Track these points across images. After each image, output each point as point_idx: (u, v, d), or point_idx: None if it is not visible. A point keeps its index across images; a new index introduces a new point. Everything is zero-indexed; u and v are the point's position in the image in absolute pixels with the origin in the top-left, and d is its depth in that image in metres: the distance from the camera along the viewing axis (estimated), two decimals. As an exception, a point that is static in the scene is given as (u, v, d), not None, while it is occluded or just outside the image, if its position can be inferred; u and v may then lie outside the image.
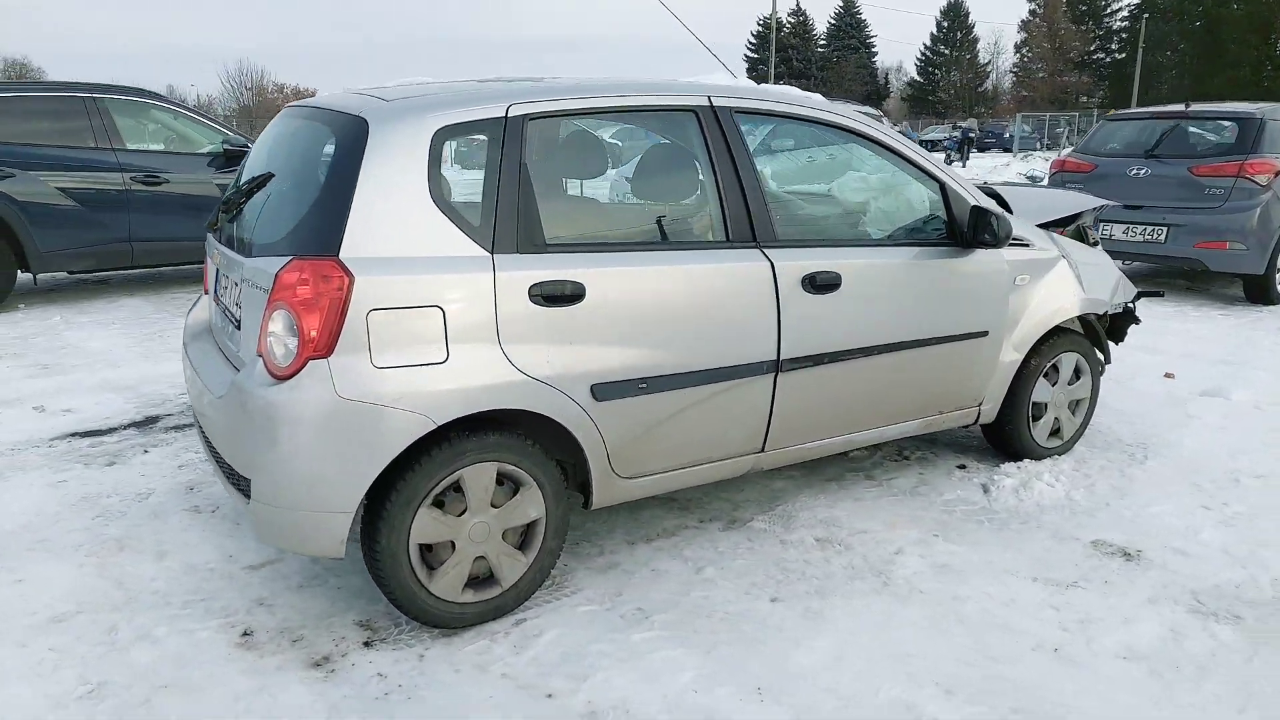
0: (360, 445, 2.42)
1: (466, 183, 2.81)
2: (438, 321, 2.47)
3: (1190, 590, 2.95)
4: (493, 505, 2.67)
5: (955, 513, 3.53)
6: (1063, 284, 3.80)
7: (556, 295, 2.62)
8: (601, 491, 2.87)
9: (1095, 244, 4.30)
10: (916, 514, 3.51)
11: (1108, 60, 66.90)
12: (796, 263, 3.05)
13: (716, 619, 2.78)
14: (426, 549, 2.61)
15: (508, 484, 2.70)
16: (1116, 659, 2.57)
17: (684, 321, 2.85)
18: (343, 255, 2.41)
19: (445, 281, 2.49)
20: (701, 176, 3.00)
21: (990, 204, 3.46)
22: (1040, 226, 4.09)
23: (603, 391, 2.72)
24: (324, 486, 2.42)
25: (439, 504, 2.59)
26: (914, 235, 3.45)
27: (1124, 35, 64.31)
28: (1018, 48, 70.46)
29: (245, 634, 2.67)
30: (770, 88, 4.16)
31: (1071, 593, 2.94)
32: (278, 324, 2.43)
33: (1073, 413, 4.05)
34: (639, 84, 2.99)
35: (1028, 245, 3.70)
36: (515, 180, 2.63)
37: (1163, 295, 4.79)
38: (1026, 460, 3.93)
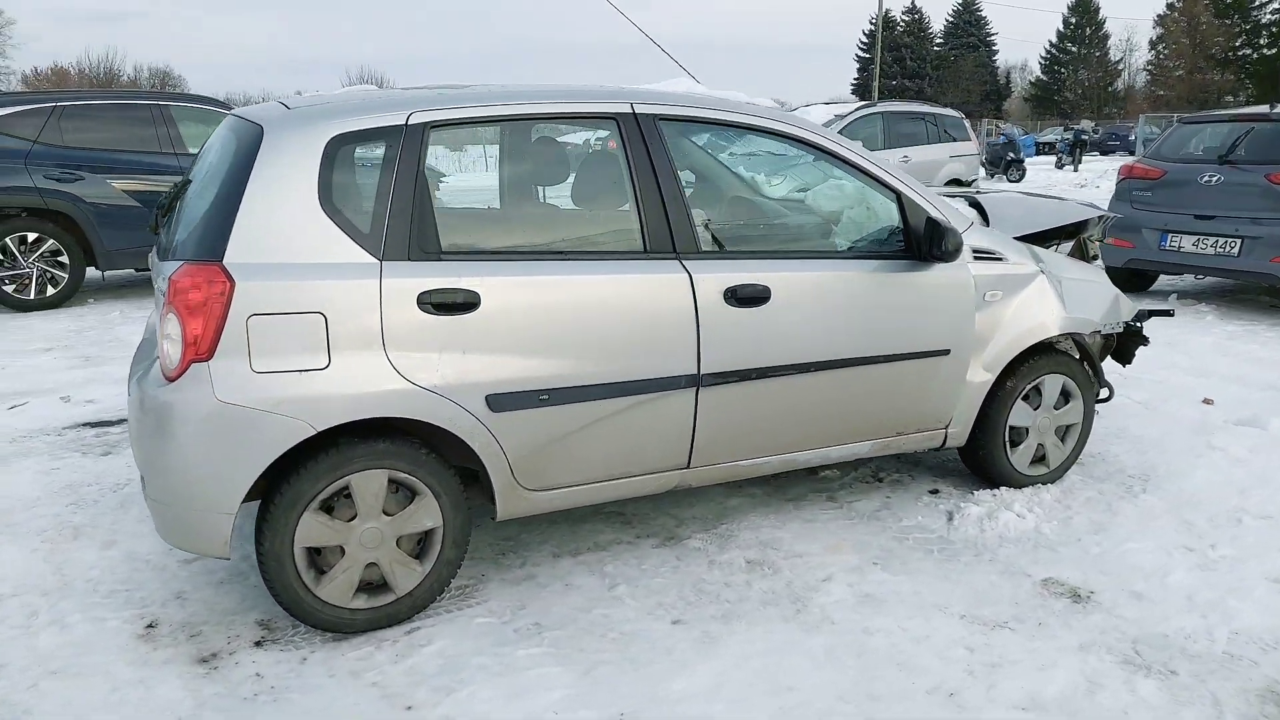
0: (238, 448, 2.47)
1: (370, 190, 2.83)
2: (319, 328, 2.50)
3: (1132, 638, 2.71)
4: (385, 512, 2.69)
5: (907, 540, 3.36)
6: (1041, 301, 3.56)
7: (448, 304, 2.62)
8: (507, 503, 2.85)
9: (1094, 258, 4.02)
10: (865, 539, 3.35)
11: (1254, 56, 62.49)
12: (718, 275, 2.96)
13: (609, 639, 2.72)
14: (316, 553, 2.65)
15: (403, 492, 2.71)
16: (1013, 709, 2.39)
17: (591, 333, 2.80)
18: (226, 260, 2.47)
19: (327, 288, 2.52)
20: (622, 186, 2.95)
21: (942, 216, 3.28)
22: (1033, 238, 3.86)
23: (499, 402, 2.70)
24: (204, 487, 2.49)
25: (328, 509, 2.62)
26: (863, 247, 3.30)
27: (1274, 29, 59.96)
28: (1153, 44, 66.55)
29: (150, 626, 2.78)
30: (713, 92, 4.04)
31: (997, 633, 2.75)
32: (170, 327, 2.51)
33: (1061, 439, 3.80)
34: (558, 91, 2.96)
35: (1000, 259, 3.49)
36: (410, 188, 2.64)
37: (1172, 314, 4.42)
38: (1004, 488, 3.70)
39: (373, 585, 2.74)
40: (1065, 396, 3.75)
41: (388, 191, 2.62)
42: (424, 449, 2.70)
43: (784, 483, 3.83)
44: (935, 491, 3.79)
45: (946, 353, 3.39)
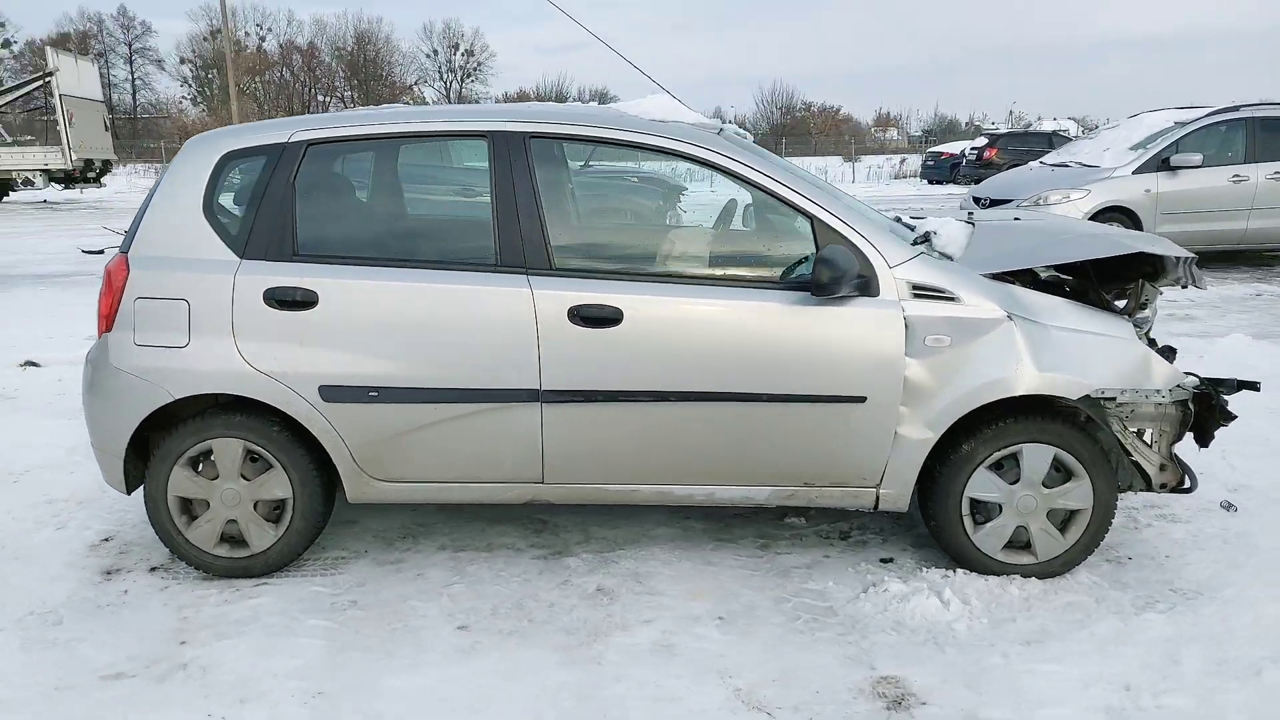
0: (122, 405, 3.03)
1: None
2: (183, 313, 2.98)
3: (902, 762, 2.23)
4: (243, 477, 3.09)
5: (788, 603, 3.01)
6: (1003, 353, 2.95)
7: (288, 300, 2.95)
8: (354, 488, 3.11)
9: (1143, 307, 3.17)
10: (740, 592, 3.07)
11: None
12: (564, 293, 2.94)
13: (391, 628, 2.86)
14: (188, 502, 3.13)
15: (261, 462, 3.10)
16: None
17: (427, 338, 2.96)
18: (130, 253, 3.04)
19: (192, 279, 2.98)
20: (485, 200, 3.04)
21: (836, 249, 2.86)
22: (1030, 275, 3.20)
23: (330, 394, 2.97)
24: (104, 434, 3.09)
25: (195, 466, 3.09)
26: (753, 275, 3.02)
27: None
28: None
29: (106, 539, 3.47)
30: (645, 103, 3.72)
31: (754, 715, 2.42)
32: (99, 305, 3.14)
33: (1060, 527, 3.10)
34: (435, 110, 3.14)
35: (951, 299, 2.96)
36: (279, 196, 3.01)
37: (1258, 389, 3.26)
38: (962, 571, 3.13)
39: (234, 539, 3.16)
40: (1066, 474, 3.06)
41: (259, 199, 3.02)
42: (275, 427, 3.05)
43: (734, 522, 3.59)
44: (888, 561, 3.30)
45: (861, 400, 2.97)
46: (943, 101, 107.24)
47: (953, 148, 31.44)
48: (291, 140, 3.06)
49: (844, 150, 44.33)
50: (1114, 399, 3.00)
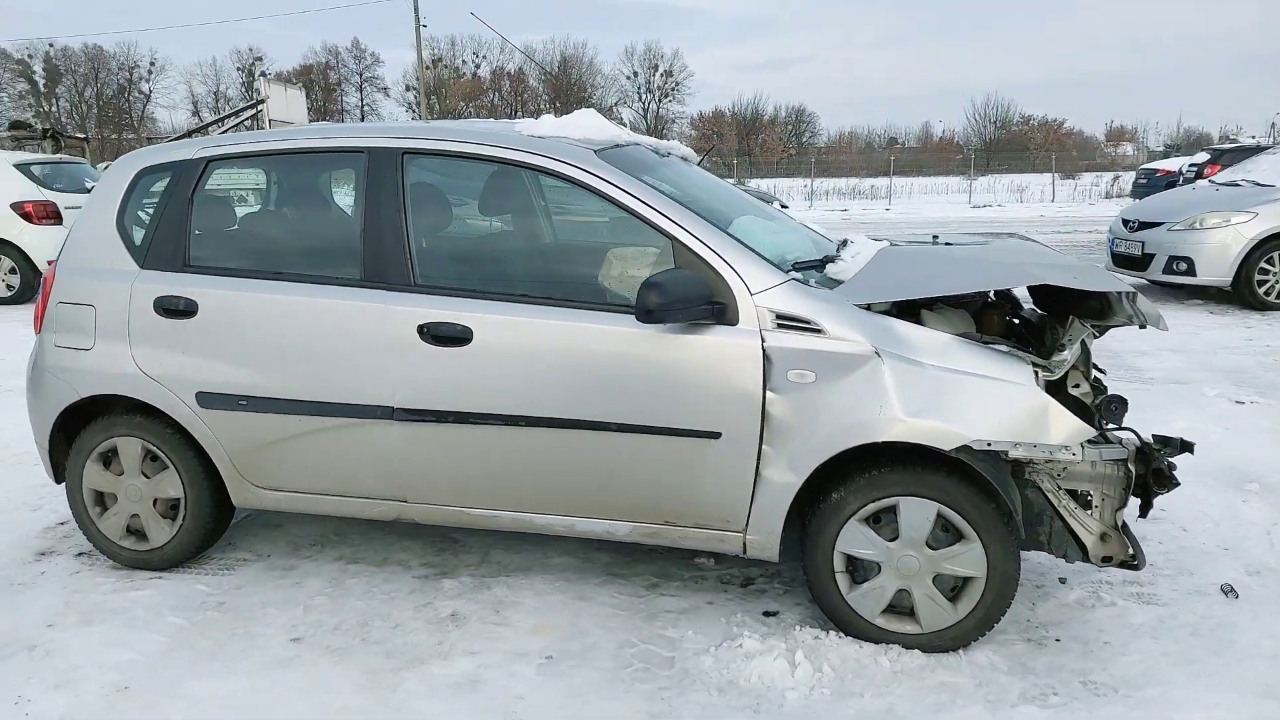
0: (45, 401, 3.30)
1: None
2: (90, 317, 3.20)
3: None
4: (144, 475, 3.28)
5: (630, 650, 2.82)
6: (868, 392, 2.62)
7: (172, 309, 3.11)
8: (236, 493, 3.22)
9: (1064, 360, 2.71)
10: (590, 633, 2.90)
11: None
12: (417, 309, 2.91)
13: (231, 632, 2.93)
14: (100, 494, 3.35)
15: (161, 461, 3.27)
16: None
17: (293, 351, 3.02)
18: (59, 261, 3.31)
19: (97, 287, 3.20)
20: (358, 215, 3.06)
21: (673, 273, 2.65)
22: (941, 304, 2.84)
23: (206, 400, 3.10)
24: (34, 427, 3.37)
25: (106, 462, 3.30)
26: (608, 298, 2.85)
27: None
28: None
29: (61, 523, 3.77)
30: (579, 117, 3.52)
31: (501, 766, 2.28)
32: (40, 308, 3.43)
33: (952, 596, 2.72)
34: (322, 128, 3.20)
35: (817, 331, 2.68)
36: (177, 210, 3.18)
37: (1191, 450, 2.65)
38: (841, 634, 2.81)
39: (139, 533, 3.34)
40: (954, 533, 2.69)
41: (160, 213, 3.20)
42: (169, 429, 3.21)
43: (640, 556, 3.40)
44: (771, 614, 3.02)
45: (716, 436, 2.74)
46: (1189, 113, 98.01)
47: (1171, 164, 28.61)
48: (193, 157, 3.23)
49: (1067, 166, 41.37)
50: (1005, 453, 2.60)
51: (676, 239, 2.78)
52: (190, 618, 3.01)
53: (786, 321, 2.69)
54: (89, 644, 2.85)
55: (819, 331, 2.68)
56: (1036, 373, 2.62)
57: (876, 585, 2.76)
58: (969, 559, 2.67)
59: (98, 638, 2.89)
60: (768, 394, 2.69)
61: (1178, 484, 2.70)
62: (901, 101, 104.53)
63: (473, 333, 2.86)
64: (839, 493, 2.73)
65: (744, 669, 2.66)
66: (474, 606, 3.07)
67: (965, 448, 2.57)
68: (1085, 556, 2.78)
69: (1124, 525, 2.77)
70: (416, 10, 26.95)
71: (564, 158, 2.93)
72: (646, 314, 2.60)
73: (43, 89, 57.14)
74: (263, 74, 52.49)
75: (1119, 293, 2.74)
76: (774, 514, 2.78)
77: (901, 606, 2.78)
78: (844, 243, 3.32)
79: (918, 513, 2.68)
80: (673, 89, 72.82)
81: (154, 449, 3.23)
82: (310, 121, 23.42)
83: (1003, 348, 2.70)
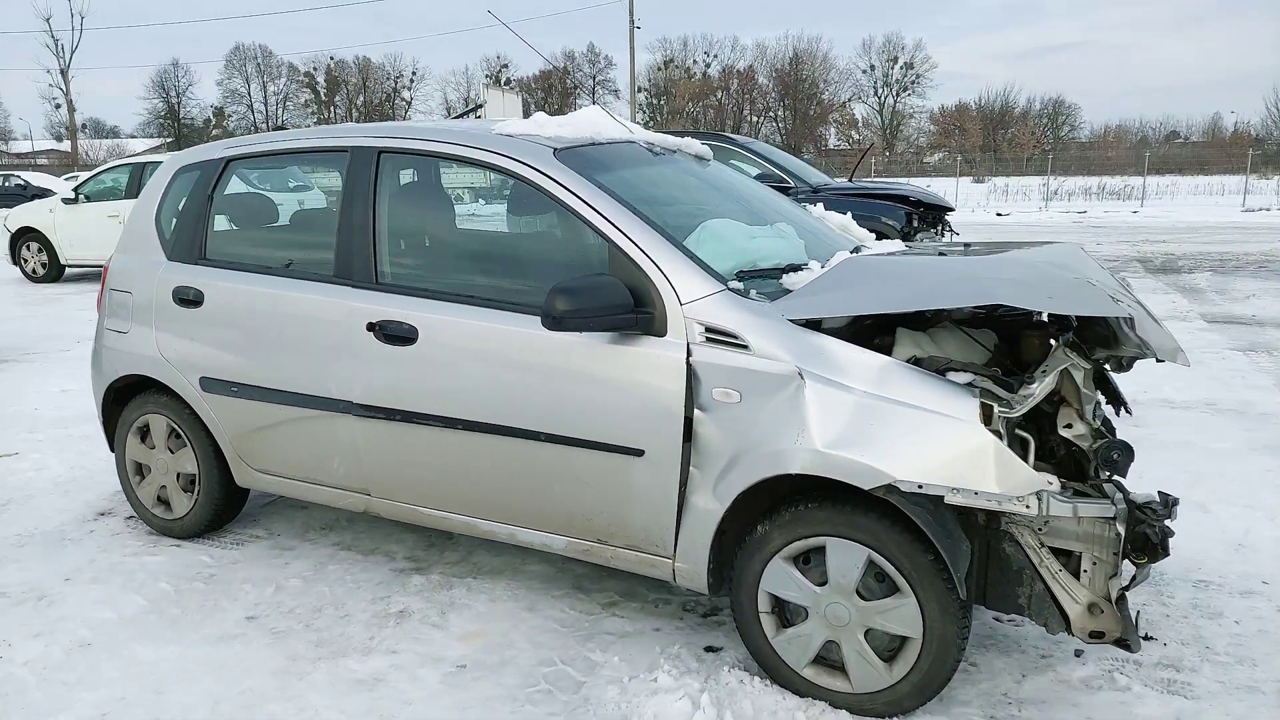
0: (97, 376, 3.67)
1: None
2: (128, 304, 3.51)
3: None
4: (169, 450, 3.56)
5: (546, 670, 2.71)
6: (787, 417, 2.34)
7: (185, 298, 3.34)
8: (239, 473, 3.42)
9: (1026, 379, 2.27)
10: (517, 647, 2.82)
11: None
12: (370, 306, 2.95)
13: (202, 601, 3.11)
14: (140, 465, 3.67)
15: (183, 439, 3.53)
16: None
17: (274, 342, 3.16)
18: (115, 251, 3.66)
19: (135, 276, 3.51)
20: (337, 213, 3.15)
21: (592, 279, 2.48)
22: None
23: (207, 385, 3.31)
24: (95, 400, 3.74)
25: (142, 436, 3.62)
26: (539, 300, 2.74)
27: None
28: None
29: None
30: (581, 115, 3.31)
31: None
32: (106, 296, 3.81)
33: (887, 657, 2.40)
34: (322, 130, 3.30)
35: (744, 347, 2.44)
36: (199, 206, 3.42)
37: (1174, 512, 2.01)
38: (764, 683, 2.55)
39: (167, 502, 3.63)
40: (889, 585, 2.37)
41: (188, 208, 3.45)
42: (186, 409, 3.46)
43: (619, 574, 3.27)
44: (715, 650, 2.80)
45: (640, 454, 2.58)
46: None
47: None
48: (216, 157, 3.45)
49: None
50: (941, 498, 2.24)
51: (613, 242, 2.63)
52: (178, 585, 3.23)
53: (715, 335, 2.47)
54: (84, 600, 3.14)
55: (744, 347, 2.44)
56: (994, 409, 2.23)
57: (803, 632, 2.48)
58: (902, 615, 2.34)
59: (95, 595, 3.17)
60: (695, 412, 2.49)
61: (1165, 554, 2.22)
62: (1186, 90, 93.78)
63: (419, 332, 2.86)
64: (764, 526, 2.47)
65: (643, 705, 2.48)
66: (424, 605, 3.08)
67: (891, 488, 2.24)
68: (1069, 628, 2.35)
69: (1121, 597, 2.32)
70: (631, 12, 27.54)
71: (520, 156, 2.85)
72: (553, 321, 2.47)
73: (323, 98, 63.92)
74: (504, 80, 55.74)
75: (1117, 318, 2.29)
76: (699, 543, 2.57)
77: (832, 660, 2.48)
78: (856, 250, 3.01)
79: (846, 557, 2.38)
80: (912, 82, 69.97)
81: (176, 427, 3.49)
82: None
83: (966, 377, 2.34)
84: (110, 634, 2.92)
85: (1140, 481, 4.10)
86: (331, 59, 65.90)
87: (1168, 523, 2.26)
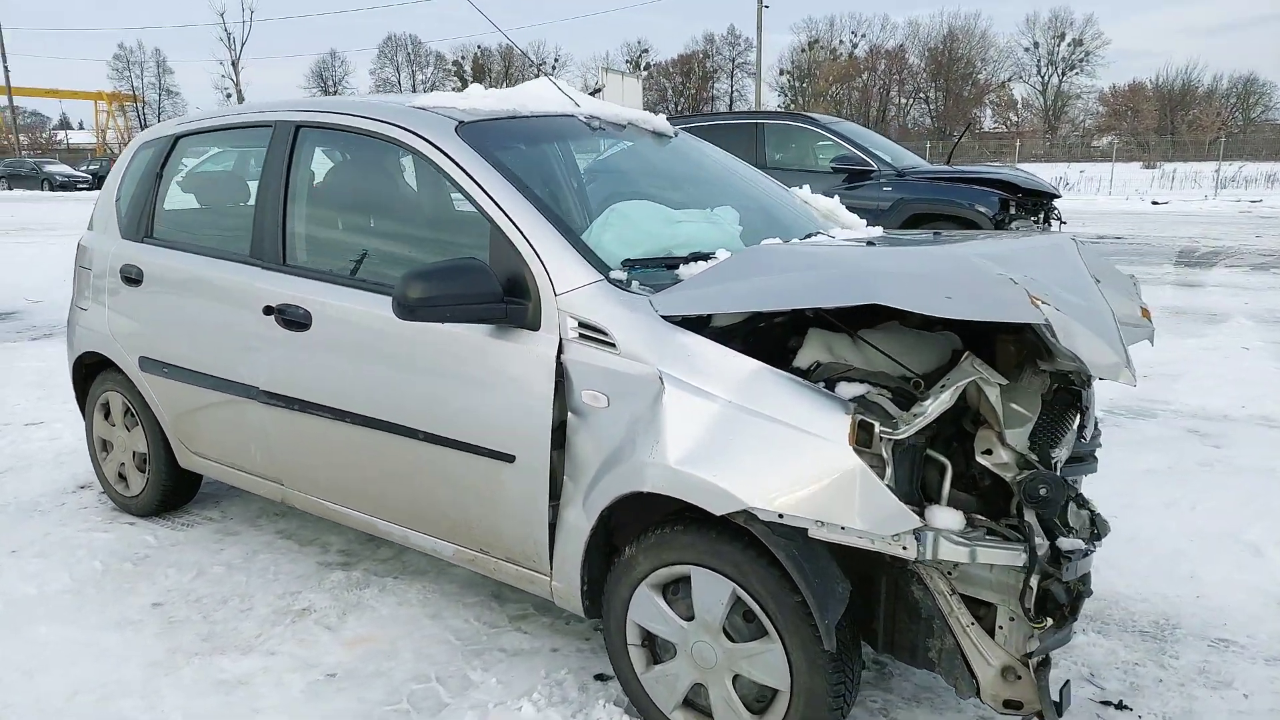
0: (71, 350, 3.70)
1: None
2: (89, 281, 3.52)
3: None
4: (126, 427, 3.56)
5: (422, 683, 2.50)
6: (645, 426, 2.03)
7: (129, 276, 3.31)
8: (180, 454, 3.38)
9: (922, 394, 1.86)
10: (398, 658, 2.62)
11: None
12: (268, 289, 2.81)
13: (119, 584, 3.07)
14: (105, 441, 3.69)
15: (134, 417, 3.52)
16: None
17: (195, 323, 3.08)
18: (86, 229, 3.68)
19: (94, 253, 3.51)
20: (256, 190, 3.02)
21: (455, 263, 2.22)
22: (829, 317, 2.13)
23: (144, 364, 3.28)
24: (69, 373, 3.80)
25: (105, 413, 3.64)
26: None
27: None
28: None
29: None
30: (528, 88, 3.00)
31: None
32: (85, 273, 3.85)
33: (756, 708, 2.07)
34: (261, 104, 3.19)
35: (611, 345, 2.14)
36: (149, 183, 3.38)
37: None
38: (634, 720, 2.27)
39: (126, 479, 3.64)
40: (759, 627, 2.03)
41: (142, 186, 3.42)
42: (134, 388, 3.44)
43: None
44: (605, 678, 2.51)
45: (511, 460, 2.33)
46: None
47: None
48: (167, 134, 3.40)
49: None
50: (806, 530, 1.88)
51: (495, 224, 2.37)
52: (109, 565, 3.21)
53: (587, 331, 2.19)
54: (19, 574, 3.15)
55: (612, 345, 2.14)
56: (876, 429, 1.85)
57: (670, 671, 2.17)
58: (768, 663, 2.00)
59: (31, 569, 3.18)
60: (569, 417, 2.21)
61: (1073, 618, 1.79)
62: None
63: (311, 318, 2.70)
64: (631, 549, 2.17)
65: (493, 737, 2.23)
66: (329, 604, 2.93)
67: (751, 516, 1.90)
68: (979, 693, 1.96)
69: (1043, 661, 1.91)
70: (759, -10, 26.83)
71: (419, 130, 2.62)
72: (405, 310, 2.22)
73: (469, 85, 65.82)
74: (644, 64, 55.71)
75: (1032, 326, 1.85)
76: (570, 560, 2.29)
77: (701, 705, 2.16)
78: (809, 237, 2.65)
79: (711, 590, 2.05)
80: (1080, 60, 65.43)
81: (129, 406, 3.49)
82: (645, 109, 24.40)
83: (858, 389, 1.97)
84: (22, 611, 2.91)
85: (1192, 513, 3.53)
86: (479, 47, 67.70)
87: (1080, 582, 1.82)
